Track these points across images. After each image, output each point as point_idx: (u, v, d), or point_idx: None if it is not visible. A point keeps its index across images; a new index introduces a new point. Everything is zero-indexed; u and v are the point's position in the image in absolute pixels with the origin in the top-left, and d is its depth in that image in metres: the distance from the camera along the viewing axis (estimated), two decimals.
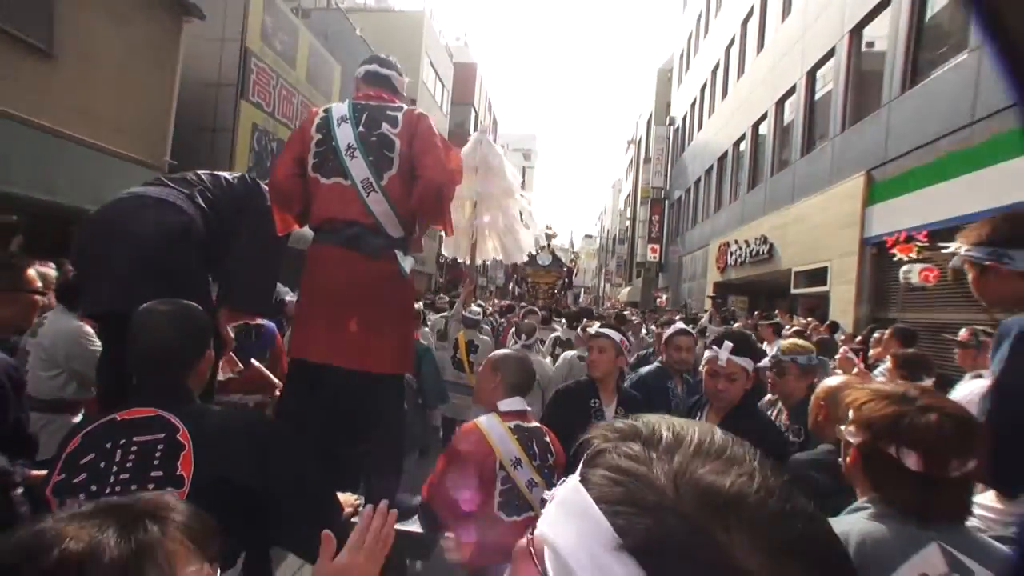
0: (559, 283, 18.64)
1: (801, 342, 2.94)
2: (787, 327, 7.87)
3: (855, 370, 4.74)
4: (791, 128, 13.60)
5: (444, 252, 6.33)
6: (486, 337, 5.53)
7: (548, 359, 5.21)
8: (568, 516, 0.45)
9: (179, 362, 1.49)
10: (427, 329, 6.11)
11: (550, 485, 2.10)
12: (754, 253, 14.62)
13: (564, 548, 0.42)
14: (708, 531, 0.38)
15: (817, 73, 12.31)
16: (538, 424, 2.22)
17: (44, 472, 1.65)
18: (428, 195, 2.23)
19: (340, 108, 2.35)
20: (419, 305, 6.39)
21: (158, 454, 1.30)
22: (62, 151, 8.14)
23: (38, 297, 2.22)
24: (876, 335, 6.01)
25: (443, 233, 5.77)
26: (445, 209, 2.36)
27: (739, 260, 15.84)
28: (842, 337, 7.29)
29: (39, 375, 2.84)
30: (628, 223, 43.11)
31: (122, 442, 1.31)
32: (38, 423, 2.59)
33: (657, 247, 29.69)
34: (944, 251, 7.85)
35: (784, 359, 2.71)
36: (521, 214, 5.86)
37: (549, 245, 20.11)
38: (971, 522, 1.63)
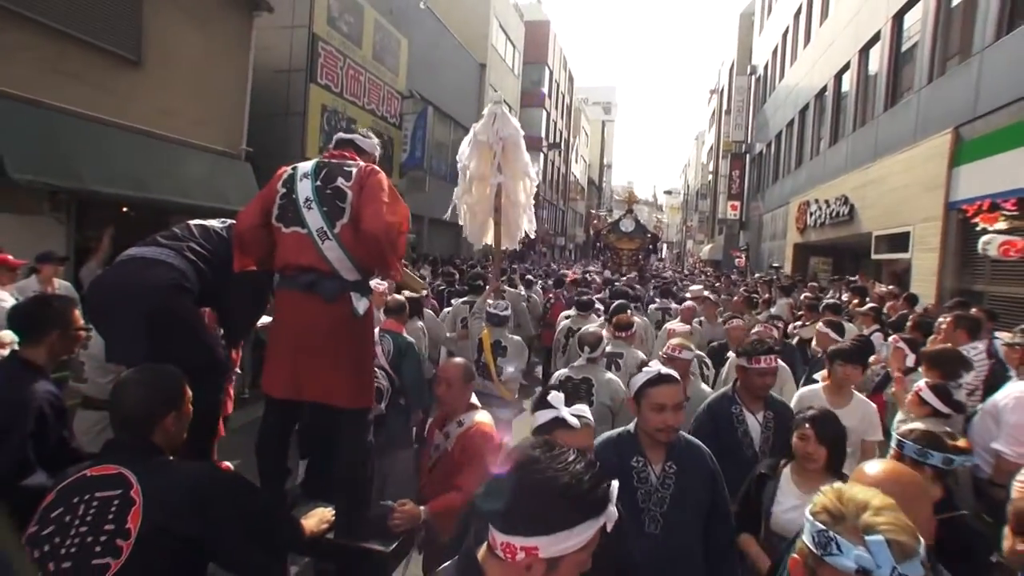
0: (643, 249, 18.27)
1: (685, 342, 3.29)
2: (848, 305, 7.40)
3: (908, 362, 4.44)
4: (875, 78, 12.56)
5: (468, 239, 5.49)
6: (515, 337, 4.95)
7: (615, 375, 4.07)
8: None
9: (143, 424, 1.73)
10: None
11: None
12: (834, 214, 13.77)
13: None
14: None
15: (904, 16, 11.24)
16: None
17: None
18: (368, 243, 2.41)
19: (305, 167, 2.54)
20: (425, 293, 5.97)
21: (113, 508, 1.52)
22: (150, 149, 8.79)
23: (82, 332, 2.59)
24: (940, 320, 5.56)
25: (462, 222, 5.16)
26: (387, 256, 2.48)
27: (819, 221, 14.99)
28: (912, 321, 6.76)
29: (97, 381, 3.26)
30: (710, 177, 41.53)
31: (86, 497, 1.54)
32: (101, 422, 3.08)
33: (737, 204, 28.47)
34: None
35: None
36: (529, 196, 5.15)
37: (631, 211, 19.67)
38: None
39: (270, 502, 2.15)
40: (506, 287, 7.04)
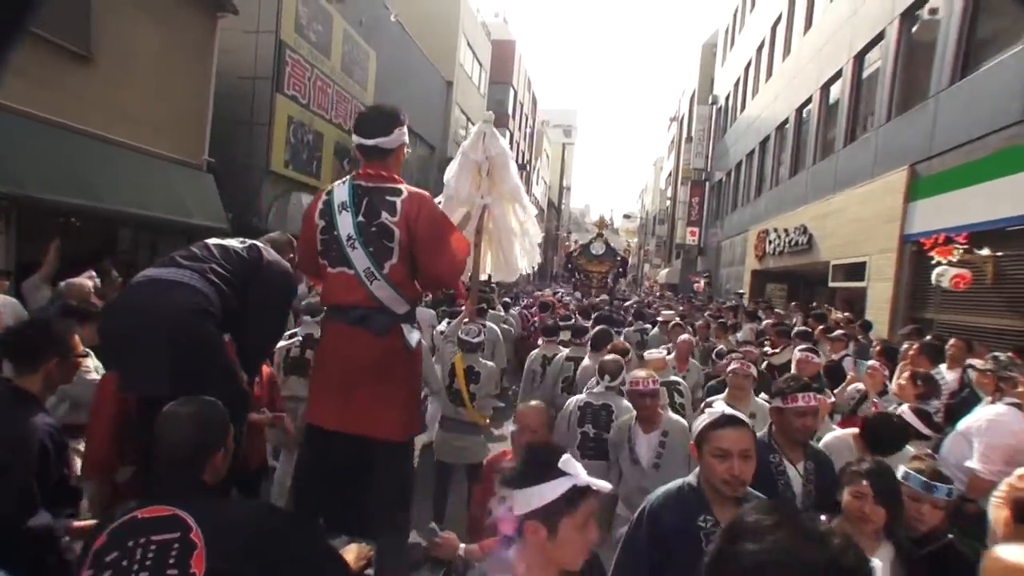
0: (613, 272, 18.63)
1: (650, 372, 3.26)
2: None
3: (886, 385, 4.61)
4: (835, 114, 13.09)
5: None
6: (488, 362, 4.68)
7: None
8: None
9: (194, 462, 1.64)
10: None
11: None
12: (793, 243, 14.21)
13: None
14: None
15: (865, 57, 11.79)
16: None
17: (88, 522, 1.94)
18: (437, 284, 2.50)
19: (341, 192, 2.43)
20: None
21: (174, 552, 1.42)
22: (103, 155, 8.16)
23: (82, 360, 2.46)
24: (905, 346, 5.84)
25: None
26: (456, 287, 2.51)
27: (778, 249, 15.43)
28: (877, 347, 6.92)
29: None
30: (668, 203, 42.44)
31: (142, 541, 1.44)
32: None
33: (696, 230, 29.18)
34: (982, 254, 7.55)
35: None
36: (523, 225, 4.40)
37: (602, 235, 20.11)
38: None
39: (322, 542, 2.05)
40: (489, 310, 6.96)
